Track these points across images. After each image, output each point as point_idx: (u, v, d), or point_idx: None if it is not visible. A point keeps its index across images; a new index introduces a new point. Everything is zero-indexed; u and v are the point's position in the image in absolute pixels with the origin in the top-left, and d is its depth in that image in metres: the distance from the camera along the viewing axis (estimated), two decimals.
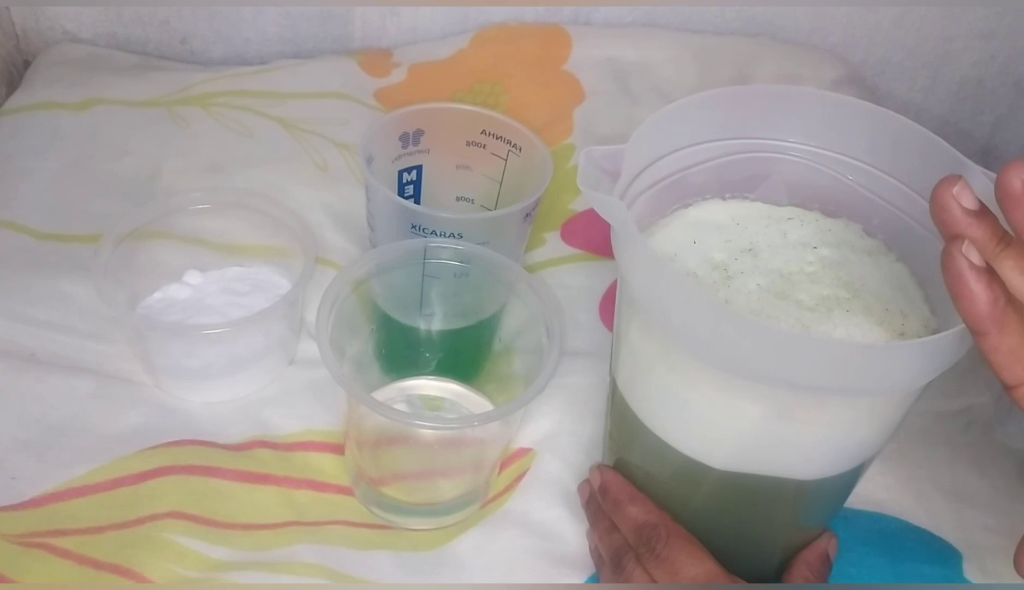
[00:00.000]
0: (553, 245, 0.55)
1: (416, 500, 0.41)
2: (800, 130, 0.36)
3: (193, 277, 0.47)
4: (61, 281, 0.48)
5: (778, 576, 0.38)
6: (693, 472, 0.34)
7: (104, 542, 0.38)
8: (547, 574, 0.39)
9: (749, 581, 0.36)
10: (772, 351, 0.28)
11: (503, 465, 0.43)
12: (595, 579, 0.39)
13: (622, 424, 0.37)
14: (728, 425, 0.32)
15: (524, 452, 0.44)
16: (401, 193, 0.48)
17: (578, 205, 0.58)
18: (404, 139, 0.47)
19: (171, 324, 0.44)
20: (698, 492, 0.35)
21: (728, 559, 0.36)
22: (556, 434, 0.44)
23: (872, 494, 0.43)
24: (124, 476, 0.40)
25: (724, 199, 0.37)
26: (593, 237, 0.55)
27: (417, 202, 0.49)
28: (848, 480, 0.35)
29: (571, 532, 0.40)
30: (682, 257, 0.35)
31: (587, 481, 0.40)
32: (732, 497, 0.35)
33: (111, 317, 0.46)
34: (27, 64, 0.65)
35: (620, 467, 0.39)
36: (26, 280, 0.48)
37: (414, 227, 0.42)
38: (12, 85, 0.63)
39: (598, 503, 0.39)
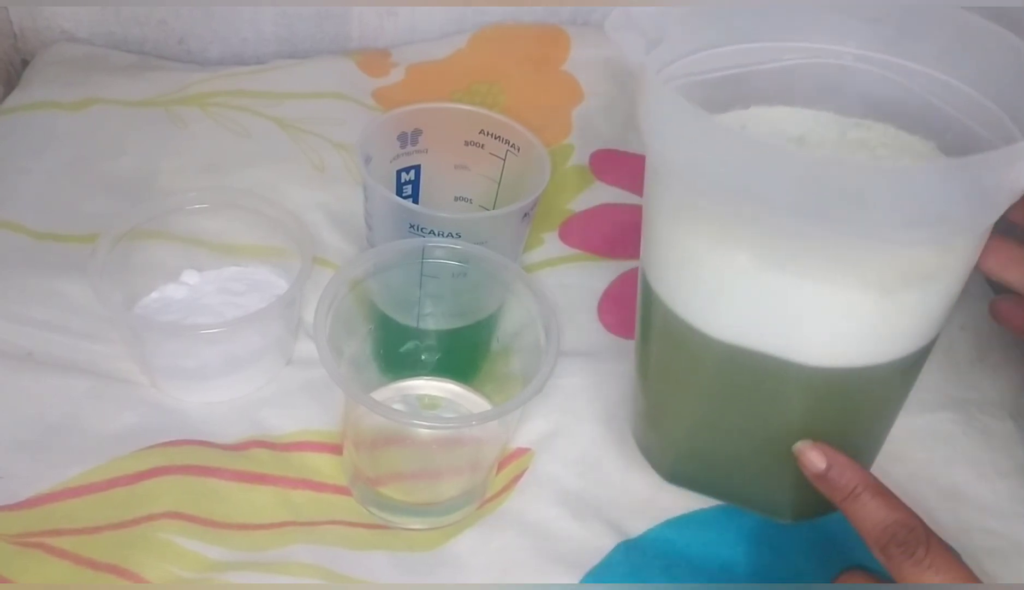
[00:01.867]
0: (551, 245, 0.55)
1: (414, 500, 0.41)
2: (869, 36, 0.33)
3: (190, 277, 0.47)
4: (57, 281, 0.47)
5: (793, 498, 0.35)
6: (697, 347, 0.32)
7: (101, 542, 0.38)
8: (545, 574, 0.39)
9: (760, 508, 0.35)
10: (763, 165, 0.26)
11: (501, 465, 0.43)
12: (592, 578, 0.39)
13: (643, 308, 0.35)
14: (724, 282, 0.30)
15: (522, 452, 0.43)
16: (399, 193, 0.48)
17: (576, 205, 0.57)
18: (402, 139, 0.46)
19: (168, 324, 0.44)
20: (702, 373, 0.33)
21: (738, 474, 0.34)
22: (554, 434, 0.44)
23: None
24: (120, 476, 0.40)
25: (792, 106, 0.35)
26: (591, 237, 0.55)
27: (415, 202, 0.49)
28: (862, 387, 0.32)
29: (569, 532, 0.40)
30: None
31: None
32: (736, 382, 0.33)
33: (107, 317, 0.46)
34: (24, 63, 0.65)
35: (648, 393, 0.37)
36: (22, 280, 0.47)
37: (412, 227, 0.42)
38: (9, 84, 0.63)
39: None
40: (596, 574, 0.39)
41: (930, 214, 0.26)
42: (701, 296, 0.32)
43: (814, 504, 0.36)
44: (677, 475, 0.39)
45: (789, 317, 0.30)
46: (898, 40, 0.33)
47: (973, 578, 0.31)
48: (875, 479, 0.33)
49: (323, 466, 0.42)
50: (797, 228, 0.27)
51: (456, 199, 0.49)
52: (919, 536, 0.31)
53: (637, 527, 0.41)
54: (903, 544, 0.31)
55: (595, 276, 0.53)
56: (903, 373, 0.33)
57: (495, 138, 0.47)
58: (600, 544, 0.40)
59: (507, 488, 0.42)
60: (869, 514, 0.32)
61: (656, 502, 0.42)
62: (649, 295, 0.34)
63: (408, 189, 0.48)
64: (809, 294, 0.29)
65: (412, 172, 0.48)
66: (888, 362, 0.31)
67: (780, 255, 0.29)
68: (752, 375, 0.32)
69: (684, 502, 0.42)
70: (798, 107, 0.35)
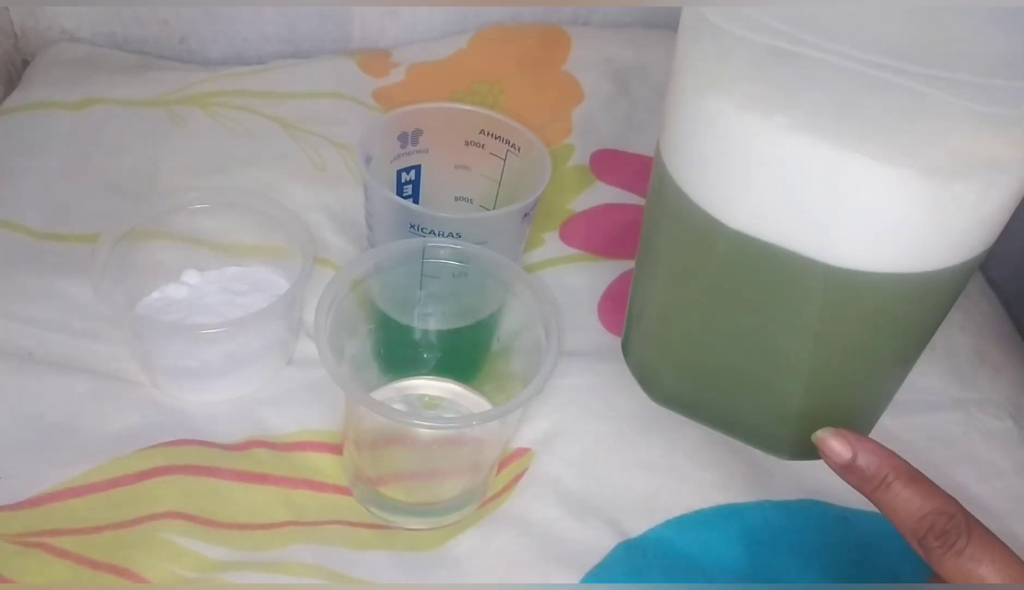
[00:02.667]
0: (552, 245, 0.55)
1: (414, 500, 0.41)
2: None
3: (191, 277, 0.47)
4: (58, 281, 0.47)
5: (794, 431, 0.32)
6: (710, 239, 0.28)
7: (101, 542, 0.38)
8: (545, 574, 0.39)
9: (758, 441, 0.32)
10: None
11: (501, 465, 0.43)
12: (592, 578, 0.39)
13: (653, 194, 0.32)
14: (750, 154, 0.26)
15: (522, 452, 0.44)
16: (400, 193, 0.48)
17: (577, 205, 0.58)
18: (403, 139, 0.46)
19: (169, 324, 0.44)
20: (712, 271, 0.30)
21: (739, 398, 0.31)
22: (554, 434, 0.44)
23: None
24: (122, 476, 0.40)
25: None
26: (592, 237, 0.55)
27: (416, 202, 0.49)
28: (896, 298, 0.28)
29: (569, 532, 0.40)
30: None
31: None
32: (749, 283, 0.29)
33: (109, 317, 0.46)
34: (26, 63, 0.65)
35: (649, 298, 0.33)
36: (23, 279, 0.47)
37: (412, 227, 0.42)
38: (11, 84, 0.63)
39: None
40: (596, 574, 0.39)
41: (1009, 58, 0.22)
42: (722, 172, 0.28)
43: (814, 444, 0.33)
44: (672, 396, 0.35)
45: (821, 203, 0.26)
46: None
47: (1021, 566, 0.28)
48: (906, 464, 0.30)
49: (324, 466, 0.42)
50: (849, 82, 0.23)
51: (456, 199, 0.49)
52: (959, 525, 0.29)
53: (637, 527, 0.41)
54: (942, 535, 0.28)
55: (595, 276, 0.53)
56: (945, 287, 0.28)
57: (495, 138, 0.47)
58: (600, 544, 0.40)
59: (507, 488, 0.42)
60: (903, 504, 0.29)
61: (656, 502, 0.42)
62: (662, 178, 0.31)
63: (409, 189, 0.48)
64: (850, 173, 0.25)
65: (413, 172, 0.48)
66: (931, 271, 0.27)
67: (822, 119, 0.25)
68: (768, 276, 0.28)
69: (684, 502, 0.42)
70: None
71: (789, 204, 0.27)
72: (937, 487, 0.30)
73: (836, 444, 0.30)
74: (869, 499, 0.30)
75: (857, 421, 0.33)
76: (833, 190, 0.26)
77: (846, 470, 0.30)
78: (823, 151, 0.25)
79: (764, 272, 0.28)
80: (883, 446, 0.30)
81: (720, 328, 0.31)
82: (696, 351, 0.32)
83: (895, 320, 0.29)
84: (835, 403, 0.32)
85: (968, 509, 0.43)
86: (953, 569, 0.28)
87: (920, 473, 0.30)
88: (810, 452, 0.33)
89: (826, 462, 0.31)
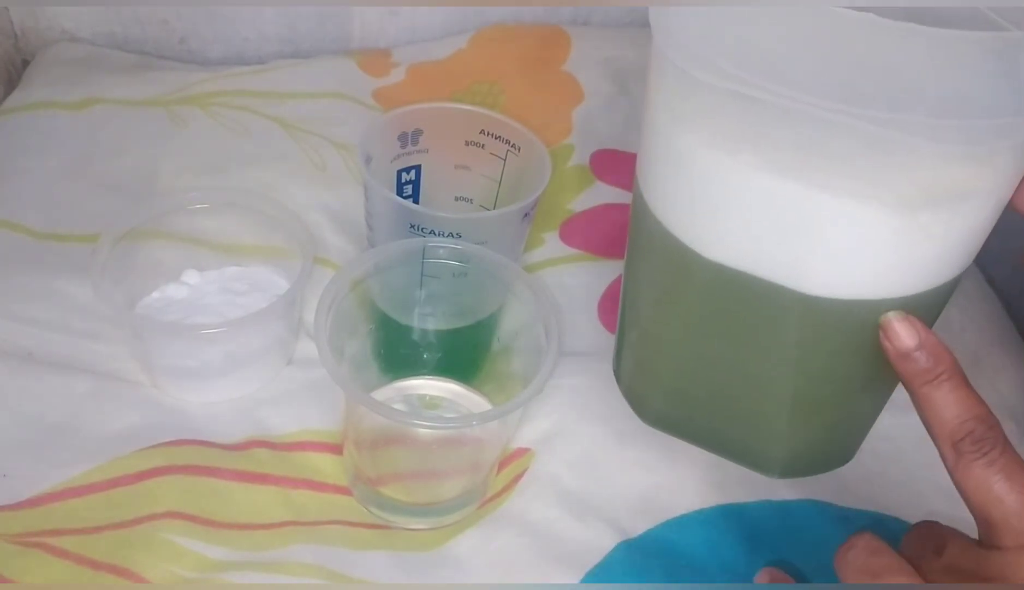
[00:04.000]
0: (552, 245, 0.55)
1: (414, 500, 0.41)
2: None
3: (191, 277, 0.47)
4: (59, 280, 0.47)
5: (783, 450, 0.32)
6: (688, 269, 0.29)
7: (102, 542, 0.38)
8: (545, 574, 0.39)
9: (745, 459, 0.32)
10: (782, 26, 0.23)
11: (501, 465, 0.43)
12: (592, 578, 0.39)
13: (634, 222, 0.32)
14: (720, 189, 0.27)
15: (522, 452, 0.44)
16: (400, 193, 0.48)
17: (577, 205, 0.58)
18: (403, 139, 0.46)
19: (169, 324, 0.44)
20: (691, 299, 0.30)
21: (724, 420, 0.31)
22: (554, 434, 0.44)
23: (872, 494, 0.43)
24: (122, 476, 0.40)
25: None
26: (592, 237, 0.55)
27: (416, 202, 0.49)
28: (870, 322, 0.28)
29: (569, 532, 0.40)
30: None
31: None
32: (727, 311, 0.29)
33: (109, 317, 0.46)
34: (25, 63, 0.65)
35: (633, 324, 0.33)
36: (23, 279, 0.47)
37: (413, 227, 0.42)
38: (11, 84, 0.63)
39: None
40: (596, 574, 0.39)
41: (967, 97, 0.22)
42: (694, 206, 0.28)
43: (805, 460, 0.33)
44: (661, 418, 0.35)
45: (792, 235, 0.27)
46: None
47: None
48: (961, 369, 0.29)
49: (324, 466, 0.42)
50: (811, 121, 0.24)
51: (457, 199, 0.49)
52: (997, 437, 0.29)
53: (637, 527, 0.41)
54: (979, 441, 0.28)
55: (595, 276, 0.53)
56: (921, 311, 0.29)
57: (495, 138, 0.47)
58: (600, 544, 0.40)
59: (507, 488, 0.42)
60: (949, 404, 0.29)
61: (656, 502, 0.42)
62: (640, 208, 0.31)
63: (409, 189, 0.48)
64: (818, 208, 0.26)
65: (413, 172, 0.48)
66: (905, 297, 0.28)
67: (788, 156, 0.25)
68: (745, 304, 0.29)
69: (684, 502, 0.42)
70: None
71: (761, 237, 0.27)
72: (983, 400, 0.29)
73: (902, 328, 0.29)
74: (915, 393, 0.30)
75: (840, 441, 0.34)
76: (803, 224, 0.26)
77: (904, 358, 0.29)
78: (790, 188, 0.26)
79: (741, 301, 0.29)
80: (943, 343, 0.29)
81: (702, 354, 0.31)
82: (680, 376, 0.32)
83: (871, 346, 0.29)
84: (818, 425, 0.32)
85: (966, 510, 0.43)
86: (979, 477, 0.28)
87: (971, 386, 0.30)
88: (800, 470, 0.33)
89: (883, 346, 0.29)
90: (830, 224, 0.26)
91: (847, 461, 0.34)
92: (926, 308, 0.29)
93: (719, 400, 0.32)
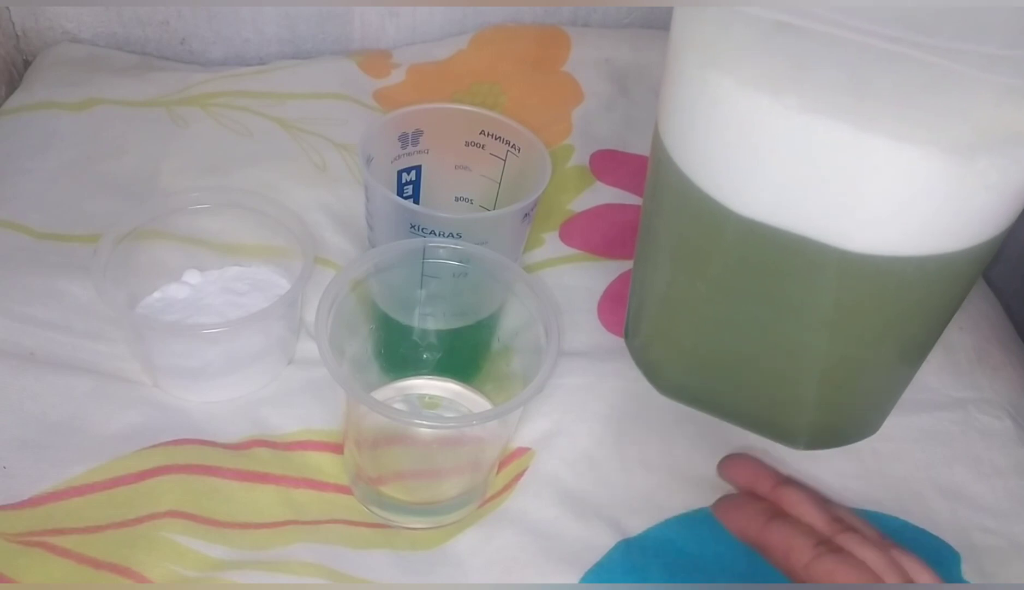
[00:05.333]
0: (552, 245, 0.55)
1: (414, 499, 0.41)
2: None
3: (192, 277, 0.47)
4: (60, 280, 0.48)
5: (810, 421, 0.30)
6: (716, 225, 0.27)
7: (103, 541, 0.38)
8: (545, 573, 0.39)
9: (771, 432, 0.30)
10: None
11: (501, 464, 0.43)
12: (592, 576, 0.39)
13: (653, 178, 0.30)
14: (757, 137, 0.24)
15: (522, 451, 0.44)
16: (400, 193, 0.48)
17: (577, 205, 0.58)
18: (403, 139, 0.47)
19: (170, 324, 0.45)
20: (719, 258, 0.28)
21: (750, 389, 0.29)
22: (554, 434, 0.44)
23: (871, 494, 0.43)
24: (123, 475, 0.40)
25: None
26: (592, 237, 0.55)
27: (416, 202, 0.49)
28: (914, 281, 0.26)
29: (569, 531, 0.40)
30: None
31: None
32: (759, 271, 0.27)
33: (110, 317, 0.46)
34: (27, 64, 0.65)
35: (649, 256, 0.31)
36: (25, 279, 0.48)
37: (413, 227, 0.42)
38: (12, 85, 0.63)
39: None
40: (596, 572, 0.39)
41: None
42: (728, 156, 0.26)
43: (832, 431, 0.31)
44: (679, 388, 0.33)
45: (836, 186, 0.24)
46: None
47: None
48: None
49: (325, 465, 0.42)
50: (862, 58, 0.21)
51: (457, 199, 0.49)
52: None
53: (637, 526, 0.41)
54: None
55: (595, 276, 0.53)
56: (964, 270, 0.27)
57: (496, 138, 0.47)
58: (600, 543, 0.40)
59: (508, 487, 0.42)
60: None
61: (656, 501, 0.42)
62: (663, 162, 0.29)
63: (409, 189, 0.48)
64: (868, 154, 0.24)
65: (413, 172, 0.48)
66: (950, 253, 0.26)
67: (835, 98, 0.23)
68: (781, 264, 0.27)
69: (684, 501, 0.42)
70: None
71: (801, 188, 0.25)
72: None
73: None
74: None
75: (872, 409, 0.32)
76: (849, 172, 0.24)
77: None
78: (838, 131, 0.24)
79: (775, 260, 0.27)
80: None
81: (728, 318, 0.29)
82: (703, 341, 0.30)
83: (912, 307, 0.27)
84: (850, 392, 0.30)
85: (967, 508, 0.43)
86: None
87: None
88: (826, 441, 0.31)
89: None
90: (880, 171, 0.24)
91: (874, 432, 0.32)
92: (968, 268, 0.27)
93: (744, 367, 0.30)
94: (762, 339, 0.29)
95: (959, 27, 0.21)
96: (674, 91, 0.28)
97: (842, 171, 0.24)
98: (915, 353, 0.30)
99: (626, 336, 0.35)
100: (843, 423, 0.30)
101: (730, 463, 0.34)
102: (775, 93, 0.24)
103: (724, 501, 0.34)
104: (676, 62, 0.28)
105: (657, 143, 0.30)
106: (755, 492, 0.33)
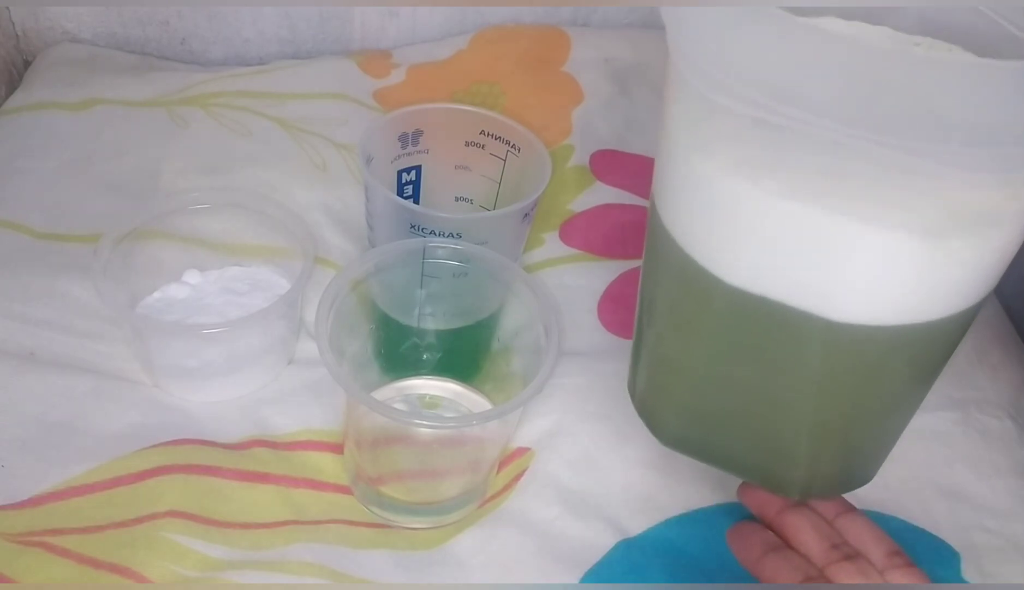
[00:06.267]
0: (552, 245, 0.55)
1: (415, 499, 0.41)
2: None
3: (192, 277, 0.47)
4: (60, 280, 0.48)
5: (803, 473, 0.32)
6: (707, 292, 0.28)
7: (103, 541, 0.38)
8: (545, 572, 0.39)
9: (766, 482, 0.32)
10: (805, 52, 0.22)
11: (501, 464, 0.43)
12: (592, 576, 0.39)
13: (650, 243, 0.32)
14: (742, 215, 0.26)
15: (522, 451, 0.44)
16: (400, 193, 0.48)
17: (577, 205, 0.58)
18: (403, 139, 0.47)
19: (170, 324, 0.45)
20: (711, 322, 0.29)
21: (745, 442, 0.31)
22: (554, 434, 0.44)
23: (870, 494, 0.43)
24: (123, 475, 0.40)
25: (845, 19, 0.30)
26: (591, 237, 0.55)
27: (416, 202, 0.49)
28: (896, 349, 0.28)
29: (569, 531, 0.40)
30: None
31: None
32: (748, 336, 0.29)
33: (110, 317, 0.46)
34: (27, 64, 0.65)
35: (652, 345, 0.33)
36: (25, 279, 0.48)
37: (413, 227, 0.42)
38: (12, 85, 0.63)
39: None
40: (596, 572, 0.39)
41: (1001, 126, 0.22)
42: (714, 231, 0.28)
43: (826, 482, 0.33)
44: (679, 439, 0.35)
45: (815, 262, 0.26)
46: None
47: None
48: None
49: (325, 465, 0.43)
50: (836, 147, 0.23)
51: (457, 199, 0.49)
52: None
53: (636, 526, 0.41)
54: None
55: (595, 276, 0.53)
56: (946, 335, 0.28)
57: (496, 139, 0.47)
58: (600, 542, 0.40)
59: (507, 487, 0.42)
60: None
61: (655, 501, 0.42)
62: (657, 229, 0.30)
63: (409, 189, 0.48)
64: (843, 235, 0.25)
65: (413, 172, 0.48)
66: (929, 322, 0.27)
67: (811, 183, 0.25)
68: (768, 329, 0.28)
69: (684, 501, 0.42)
70: (850, 20, 0.30)
71: (784, 263, 0.27)
72: None
73: None
74: None
75: (864, 461, 0.34)
76: (827, 251, 0.26)
77: None
78: (814, 215, 0.25)
79: (763, 326, 0.28)
80: None
81: (721, 378, 0.31)
82: (698, 398, 0.32)
83: (896, 369, 0.29)
84: (841, 447, 0.32)
85: (967, 508, 0.43)
86: None
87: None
88: (820, 492, 0.33)
89: None
90: (856, 252, 0.25)
91: (867, 481, 0.34)
92: (950, 334, 0.29)
93: (738, 423, 0.31)
94: (753, 397, 0.31)
95: (922, 124, 0.22)
96: (665, 165, 0.30)
97: (821, 250, 0.26)
98: (902, 409, 0.32)
99: (629, 387, 0.37)
100: (834, 475, 0.32)
101: (744, 488, 0.35)
102: (753, 179, 0.26)
103: (732, 527, 0.35)
104: (666, 140, 0.30)
105: (652, 208, 0.32)
106: (764, 517, 0.34)
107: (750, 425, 0.31)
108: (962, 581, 0.40)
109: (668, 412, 0.35)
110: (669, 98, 0.29)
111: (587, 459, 0.43)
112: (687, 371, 0.32)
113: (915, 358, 0.29)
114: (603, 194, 0.59)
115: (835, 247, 0.25)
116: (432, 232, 0.42)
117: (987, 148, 0.22)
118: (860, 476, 0.34)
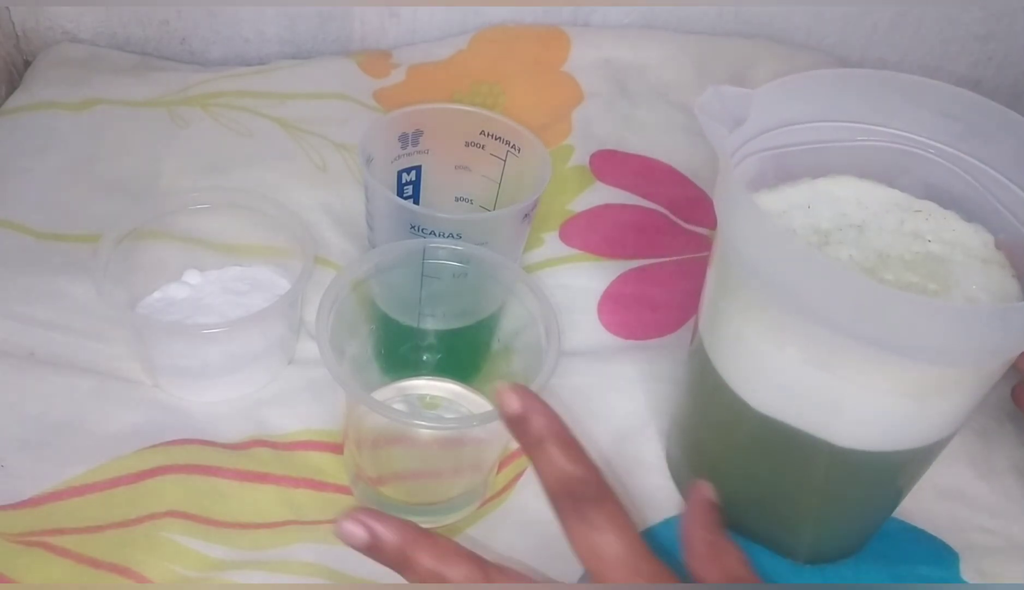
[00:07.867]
0: (552, 245, 0.55)
1: (415, 500, 0.41)
2: (940, 129, 0.36)
3: (192, 277, 0.47)
4: (60, 280, 0.48)
5: (809, 544, 0.39)
6: (739, 412, 0.35)
7: (103, 541, 0.38)
8: (544, 573, 0.39)
9: (775, 548, 0.38)
10: (817, 283, 0.29)
11: (501, 465, 0.43)
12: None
13: (694, 363, 0.39)
14: (769, 366, 0.33)
15: (522, 452, 0.44)
16: (400, 193, 0.48)
17: (577, 206, 0.58)
18: (403, 139, 0.47)
19: (170, 324, 0.45)
20: (740, 433, 0.37)
21: (760, 518, 0.38)
22: None
23: None
24: (123, 475, 0.40)
25: (860, 177, 0.38)
26: (592, 237, 0.55)
27: (416, 202, 0.49)
28: (884, 467, 0.35)
29: None
30: (790, 215, 0.36)
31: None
32: (770, 447, 0.36)
33: (110, 317, 0.46)
34: (27, 64, 0.65)
35: (687, 431, 0.41)
36: (25, 280, 0.48)
37: (413, 227, 0.42)
38: (12, 85, 0.63)
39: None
40: None
41: (973, 348, 0.29)
42: (748, 372, 0.35)
43: (830, 550, 0.40)
44: None
45: (824, 405, 0.33)
46: (966, 137, 0.36)
47: (640, 545, 0.31)
48: (567, 431, 0.33)
49: (325, 465, 0.43)
50: (843, 339, 0.30)
51: (457, 200, 0.49)
52: (592, 493, 0.31)
53: (636, 525, 0.41)
54: (574, 499, 0.31)
55: (595, 276, 0.53)
56: (928, 455, 0.35)
57: (496, 139, 0.47)
58: None
59: (507, 487, 0.43)
60: (550, 464, 0.32)
61: (655, 501, 0.42)
62: (700, 354, 0.37)
63: (409, 190, 0.48)
64: (845, 391, 0.32)
65: (413, 173, 0.48)
66: (913, 449, 0.34)
67: (823, 354, 0.31)
68: (785, 445, 0.35)
69: (683, 501, 0.42)
70: (865, 180, 0.37)
71: (798, 403, 0.33)
72: (587, 457, 0.32)
73: (510, 398, 0.33)
74: (527, 454, 0.33)
75: (862, 532, 0.41)
76: (834, 401, 0.32)
77: (512, 423, 0.33)
78: (825, 377, 0.32)
79: (780, 441, 0.35)
80: (551, 411, 0.33)
81: (745, 472, 0.38)
82: (723, 481, 0.38)
83: (886, 481, 0.37)
84: (841, 527, 0.40)
85: (966, 508, 0.43)
86: (576, 532, 0.31)
87: (576, 441, 0.33)
88: (826, 558, 0.40)
89: (498, 411, 0.33)
90: (857, 404, 0.32)
91: (862, 549, 0.41)
92: (932, 452, 0.35)
93: (756, 505, 0.39)
94: (770, 491, 0.38)
95: (907, 339, 0.29)
96: (712, 315, 0.37)
97: (828, 400, 0.33)
98: (891, 503, 0.40)
99: (667, 452, 0.44)
100: (835, 546, 0.40)
101: None
102: (779, 345, 0.32)
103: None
104: (709, 290, 0.37)
105: (698, 338, 0.38)
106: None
107: (765, 508, 0.39)
108: (961, 581, 0.40)
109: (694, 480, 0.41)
110: (717, 266, 0.36)
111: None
112: (716, 462, 0.39)
113: (902, 472, 0.37)
114: (603, 194, 0.59)
115: (840, 399, 0.32)
116: (432, 232, 0.42)
117: (947, 356, 0.30)
118: (859, 544, 0.41)
